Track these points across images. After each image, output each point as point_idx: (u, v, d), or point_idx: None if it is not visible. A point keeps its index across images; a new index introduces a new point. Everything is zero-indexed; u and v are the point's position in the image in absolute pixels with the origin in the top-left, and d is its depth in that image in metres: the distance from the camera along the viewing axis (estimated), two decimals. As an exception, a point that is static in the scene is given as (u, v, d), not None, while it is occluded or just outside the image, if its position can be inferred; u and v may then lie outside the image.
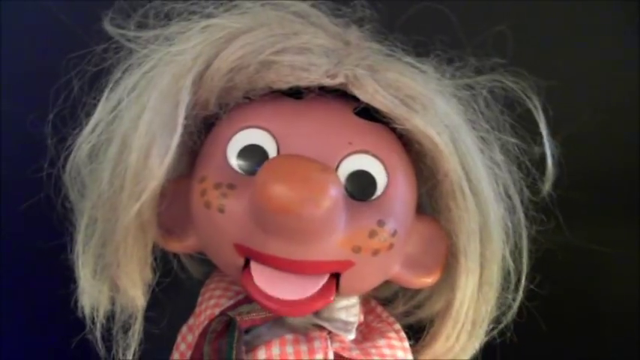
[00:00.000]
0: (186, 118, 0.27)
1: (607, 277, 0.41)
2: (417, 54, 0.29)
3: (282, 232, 0.25)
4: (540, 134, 0.30)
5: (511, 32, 0.33)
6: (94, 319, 0.30)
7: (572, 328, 0.40)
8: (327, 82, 0.27)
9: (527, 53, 0.32)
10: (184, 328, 0.34)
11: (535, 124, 0.30)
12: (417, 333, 0.32)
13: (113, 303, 0.30)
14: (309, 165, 0.25)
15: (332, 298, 0.27)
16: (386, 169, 0.27)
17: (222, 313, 0.30)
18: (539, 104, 0.30)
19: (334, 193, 0.24)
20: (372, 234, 0.26)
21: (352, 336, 0.30)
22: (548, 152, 0.30)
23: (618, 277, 0.40)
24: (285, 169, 0.24)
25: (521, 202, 0.31)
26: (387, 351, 0.30)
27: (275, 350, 0.28)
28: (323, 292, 0.27)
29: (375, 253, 0.27)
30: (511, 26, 0.33)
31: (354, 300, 0.31)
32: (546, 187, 0.31)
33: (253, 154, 0.27)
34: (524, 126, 0.31)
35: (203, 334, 0.29)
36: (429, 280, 0.30)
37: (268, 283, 0.27)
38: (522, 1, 0.38)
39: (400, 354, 0.30)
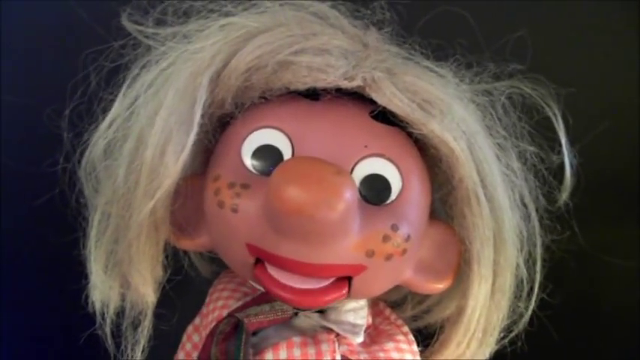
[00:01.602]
0: (202, 116, 0.27)
1: (619, 286, 0.41)
2: (435, 58, 0.29)
3: (296, 234, 0.25)
4: (557, 141, 0.30)
5: (530, 38, 0.33)
6: (104, 314, 0.30)
7: (583, 337, 0.40)
8: (345, 84, 0.27)
9: (546, 59, 0.32)
10: (190, 328, 0.33)
11: (552, 132, 0.30)
12: (427, 339, 0.32)
13: (123, 299, 0.30)
14: (324, 167, 0.24)
15: (345, 292, 0.27)
16: (401, 173, 0.27)
17: (229, 315, 0.29)
18: (558, 111, 0.30)
19: (349, 196, 0.24)
20: (386, 238, 0.26)
21: (360, 339, 0.30)
22: (567, 161, 0.30)
23: (631, 287, 0.40)
24: (299, 170, 0.24)
25: (537, 210, 0.30)
26: (395, 354, 0.30)
27: (282, 353, 0.28)
28: (336, 285, 0.27)
29: (388, 257, 0.26)
30: (530, 32, 0.33)
31: (362, 302, 0.31)
32: (563, 196, 0.31)
33: (268, 154, 0.27)
34: (542, 133, 0.30)
35: (211, 335, 0.29)
36: (440, 286, 0.30)
37: (282, 273, 0.27)
38: (542, 6, 0.37)
39: (408, 357, 0.30)
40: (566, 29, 0.38)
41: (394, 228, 0.26)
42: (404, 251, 0.27)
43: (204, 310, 0.33)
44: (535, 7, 0.37)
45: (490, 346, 0.31)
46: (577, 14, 0.37)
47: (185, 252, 0.35)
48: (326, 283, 0.27)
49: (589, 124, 0.33)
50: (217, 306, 0.31)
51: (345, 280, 0.27)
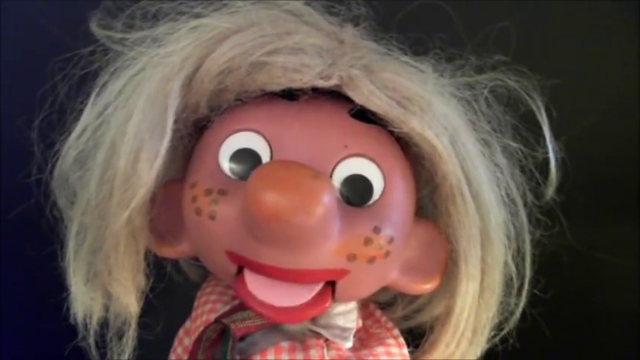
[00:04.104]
0: (176, 121, 0.26)
1: (611, 282, 0.40)
2: (415, 53, 0.29)
3: (274, 240, 0.24)
4: (543, 135, 0.29)
5: (514, 29, 0.32)
6: (87, 325, 0.30)
7: (576, 334, 0.39)
8: (321, 83, 0.26)
9: (530, 51, 0.31)
10: (181, 332, 0.33)
11: (539, 125, 0.29)
12: (417, 339, 0.31)
13: (107, 310, 0.30)
14: (301, 171, 0.24)
15: (327, 305, 0.26)
16: (383, 173, 0.27)
17: (216, 321, 0.29)
18: (543, 104, 0.29)
19: (327, 200, 0.23)
20: (368, 241, 0.26)
21: (349, 344, 0.29)
22: (552, 155, 0.29)
23: (623, 282, 0.40)
24: (276, 175, 0.24)
25: (525, 205, 0.30)
26: (384, 358, 0.29)
27: (270, 359, 0.28)
28: (318, 299, 0.26)
29: (371, 261, 0.26)
30: (514, 23, 0.32)
31: (352, 305, 0.31)
32: (550, 191, 0.30)
33: (246, 158, 0.27)
34: (527, 127, 0.30)
35: (198, 341, 0.29)
36: (427, 287, 0.29)
37: (262, 289, 0.26)
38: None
39: (398, 360, 0.30)
40: (550, 19, 0.37)
41: (376, 230, 0.26)
42: (387, 254, 0.26)
43: (193, 314, 0.32)
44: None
45: (480, 345, 0.31)
46: (561, 4, 0.37)
47: (170, 258, 0.35)
48: (307, 298, 0.26)
49: (575, 116, 0.33)
50: (205, 310, 0.31)
51: (327, 291, 0.27)
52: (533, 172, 0.30)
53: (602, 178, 0.38)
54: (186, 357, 0.31)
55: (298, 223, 0.23)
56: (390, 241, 0.26)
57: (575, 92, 0.35)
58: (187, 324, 0.33)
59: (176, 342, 0.33)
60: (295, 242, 0.24)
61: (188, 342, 0.32)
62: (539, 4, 0.37)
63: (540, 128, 0.30)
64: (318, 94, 0.27)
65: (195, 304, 0.32)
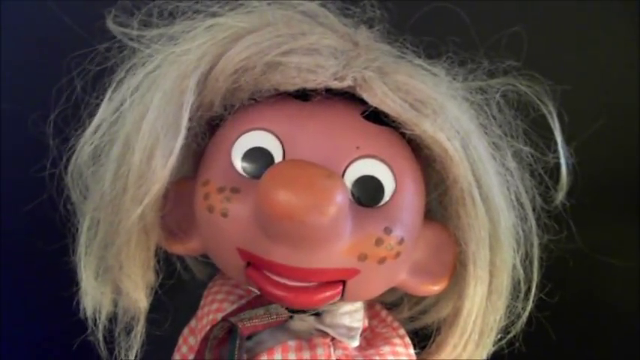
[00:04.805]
0: (190, 119, 0.27)
1: (617, 286, 0.40)
2: (428, 56, 0.29)
3: (286, 239, 0.25)
4: (554, 140, 0.30)
5: (526, 34, 0.32)
6: (96, 320, 0.30)
7: (581, 337, 0.39)
8: (335, 84, 0.26)
9: (541, 56, 0.31)
10: (186, 330, 0.33)
11: (549, 130, 0.30)
12: (423, 341, 0.32)
13: (116, 305, 0.30)
14: (314, 171, 0.24)
15: (339, 290, 0.27)
16: (394, 174, 0.27)
17: (223, 319, 0.29)
18: (554, 109, 0.29)
19: (339, 200, 0.23)
20: (379, 242, 0.26)
21: (356, 343, 0.29)
22: (563, 160, 0.30)
23: (629, 286, 0.40)
24: (289, 174, 0.24)
25: (534, 210, 0.30)
26: (391, 358, 0.30)
27: (277, 357, 0.28)
28: (330, 283, 0.26)
29: (382, 261, 0.26)
30: (525, 27, 0.33)
31: (358, 305, 0.31)
32: (560, 195, 0.30)
33: (258, 156, 0.27)
34: (538, 132, 0.30)
35: (205, 339, 0.29)
36: (436, 288, 0.29)
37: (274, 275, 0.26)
38: (537, 1, 0.37)
39: (404, 360, 0.30)
40: (561, 25, 0.37)
41: (387, 231, 0.26)
42: (397, 254, 0.26)
43: (199, 312, 0.32)
44: (530, 2, 0.37)
45: (487, 348, 0.31)
46: (573, 9, 0.37)
47: (179, 255, 0.35)
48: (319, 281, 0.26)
49: (586, 121, 0.33)
50: (212, 309, 0.31)
51: (339, 282, 0.27)
52: (542, 176, 0.30)
53: (610, 183, 0.38)
54: (191, 356, 0.31)
55: (311, 222, 0.23)
56: (401, 241, 0.26)
57: (586, 98, 0.35)
58: (193, 323, 0.33)
59: (181, 340, 0.33)
60: (308, 241, 0.24)
61: (193, 341, 0.32)
62: (552, 10, 0.37)
63: (550, 132, 0.30)
64: (331, 95, 0.27)
65: (202, 302, 0.33)
